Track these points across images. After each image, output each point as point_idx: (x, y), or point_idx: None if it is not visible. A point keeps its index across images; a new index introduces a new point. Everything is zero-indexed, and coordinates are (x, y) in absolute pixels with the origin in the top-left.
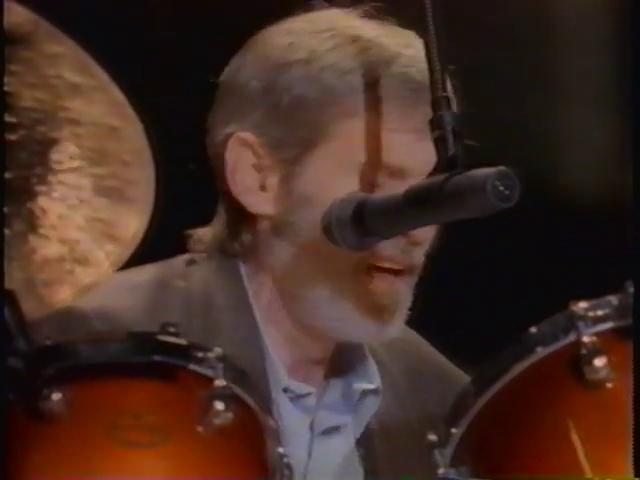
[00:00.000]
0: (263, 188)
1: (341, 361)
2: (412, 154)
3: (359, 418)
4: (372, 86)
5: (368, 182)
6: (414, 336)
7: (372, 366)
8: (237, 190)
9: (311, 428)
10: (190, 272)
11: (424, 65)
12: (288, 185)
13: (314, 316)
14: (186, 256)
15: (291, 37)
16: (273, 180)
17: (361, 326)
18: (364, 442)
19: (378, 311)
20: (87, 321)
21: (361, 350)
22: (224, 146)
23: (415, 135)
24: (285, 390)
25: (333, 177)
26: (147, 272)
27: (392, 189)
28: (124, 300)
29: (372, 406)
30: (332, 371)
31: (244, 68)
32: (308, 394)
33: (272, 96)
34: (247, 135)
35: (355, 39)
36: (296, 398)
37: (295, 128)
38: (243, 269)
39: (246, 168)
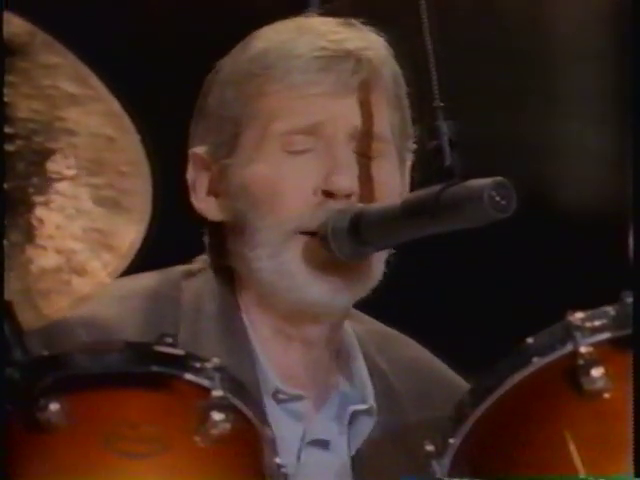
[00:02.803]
0: (216, 195)
1: (339, 377)
2: (323, 113)
3: (353, 437)
4: (283, 62)
5: (291, 150)
6: (427, 355)
7: (368, 386)
8: (197, 204)
9: (302, 437)
10: (185, 283)
11: (342, 37)
12: (227, 181)
13: (276, 295)
14: (184, 267)
15: (242, 43)
16: (221, 184)
17: (321, 287)
18: (357, 461)
19: (335, 272)
20: (70, 329)
21: (360, 370)
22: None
23: (326, 98)
24: (276, 393)
25: (256, 154)
26: (140, 281)
27: (315, 149)
28: (112, 308)
29: (366, 426)
30: (331, 385)
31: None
32: (299, 396)
33: (205, 105)
34: (198, 149)
35: (293, 28)
36: (287, 402)
37: (223, 126)
38: (234, 278)
39: (202, 181)
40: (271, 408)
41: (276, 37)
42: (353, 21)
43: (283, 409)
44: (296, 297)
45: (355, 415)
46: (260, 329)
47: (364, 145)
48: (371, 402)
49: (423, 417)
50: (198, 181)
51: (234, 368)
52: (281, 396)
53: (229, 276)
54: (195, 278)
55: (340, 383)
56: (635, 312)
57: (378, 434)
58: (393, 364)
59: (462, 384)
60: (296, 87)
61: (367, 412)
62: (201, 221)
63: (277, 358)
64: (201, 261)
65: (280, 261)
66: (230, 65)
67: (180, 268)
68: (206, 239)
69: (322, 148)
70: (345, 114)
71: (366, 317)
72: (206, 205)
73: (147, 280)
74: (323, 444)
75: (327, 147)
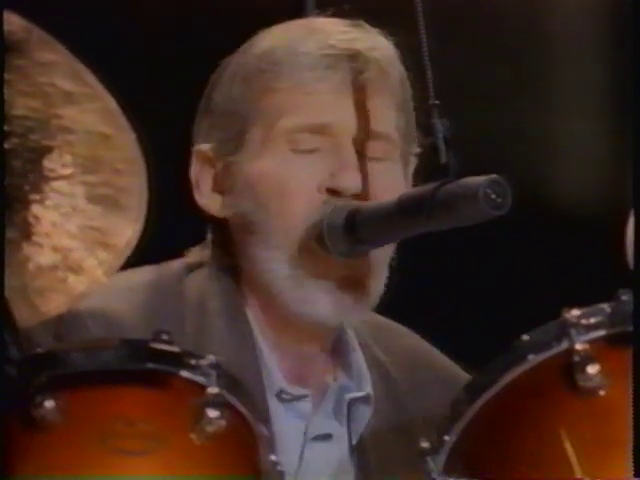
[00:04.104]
0: (221, 192)
1: (337, 369)
2: (331, 112)
3: (353, 426)
4: (291, 58)
5: (295, 146)
6: (424, 345)
7: (365, 374)
8: (201, 200)
9: (304, 433)
10: (187, 278)
11: (351, 37)
12: (232, 178)
13: (287, 304)
14: (183, 262)
15: (249, 42)
16: (226, 181)
17: (332, 303)
18: (359, 450)
19: (346, 287)
20: (80, 321)
21: (358, 360)
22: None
23: (333, 95)
24: (280, 393)
25: (262, 151)
26: (145, 273)
27: (322, 149)
28: (121, 301)
29: (364, 414)
30: (329, 378)
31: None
32: (304, 396)
33: (210, 102)
34: (203, 146)
35: (302, 27)
36: (291, 401)
37: (229, 123)
38: (240, 276)
39: (206, 178)
40: (274, 407)
41: (284, 35)
42: (362, 22)
43: (287, 408)
44: (306, 310)
45: (353, 404)
46: (264, 328)
47: (370, 146)
48: (368, 389)
49: (421, 406)
50: (202, 178)
51: (239, 365)
52: (285, 396)
53: (233, 273)
54: (196, 273)
55: (338, 375)
56: (635, 310)
57: (378, 423)
58: (390, 354)
59: (460, 372)
60: (303, 84)
61: (364, 400)
62: (204, 218)
63: (281, 357)
64: (196, 254)
65: (296, 271)
66: (237, 62)
67: (179, 262)
68: (209, 235)
69: (329, 147)
70: (352, 114)
71: None
72: (211, 202)
73: (150, 274)
74: (325, 437)
75: (334, 146)
